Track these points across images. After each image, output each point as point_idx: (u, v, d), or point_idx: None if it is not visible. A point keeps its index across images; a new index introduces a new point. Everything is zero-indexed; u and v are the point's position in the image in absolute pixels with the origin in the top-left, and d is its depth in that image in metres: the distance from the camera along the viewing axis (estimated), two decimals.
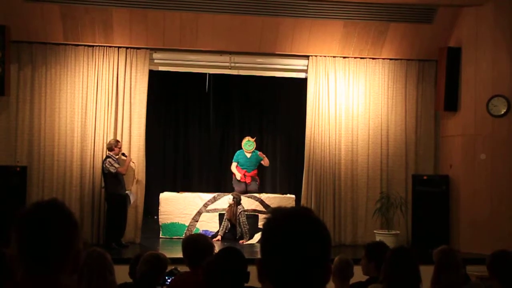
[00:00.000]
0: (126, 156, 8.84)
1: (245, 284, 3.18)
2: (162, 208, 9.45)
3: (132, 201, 8.85)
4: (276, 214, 1.49)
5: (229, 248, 3.40)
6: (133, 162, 8.98)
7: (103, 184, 8.79)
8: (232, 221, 9.18)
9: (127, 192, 8.78)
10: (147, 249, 6.43)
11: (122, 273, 4.29)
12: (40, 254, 1.57)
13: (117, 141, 8.77)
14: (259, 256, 1.48)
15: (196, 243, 3.86)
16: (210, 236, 8.36)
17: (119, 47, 9.21)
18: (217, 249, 3.83)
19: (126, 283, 4.03)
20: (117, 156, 8.65)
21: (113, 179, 8.52)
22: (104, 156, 8.78)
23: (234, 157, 10.00)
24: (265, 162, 9.99)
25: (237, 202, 9.17)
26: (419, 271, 3.37)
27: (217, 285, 3.13)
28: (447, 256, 3.82)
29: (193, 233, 8.94)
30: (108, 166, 8.49)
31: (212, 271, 3.15)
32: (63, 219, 1.62)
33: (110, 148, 8.66)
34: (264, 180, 11.43)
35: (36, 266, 1.57)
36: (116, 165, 8.50)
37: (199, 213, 9.44)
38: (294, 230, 1.43)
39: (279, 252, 1.41)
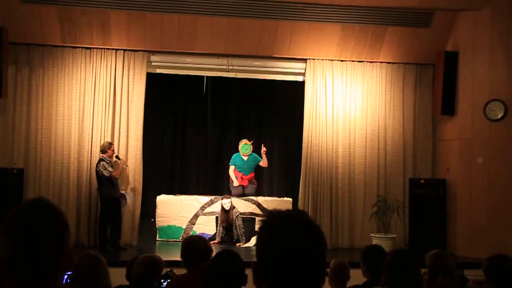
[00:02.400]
0: (119, 159, 8.81)
1: (243, 287, 3.17)
2: (159, 210, 9.44)
3: (128, 201, 8.83)
4: (272, 217, 1.49)
5: (227, 251, 3.39)
6: (126, 165, 8.94)
7: (97, 187, 8.77)
8: (230, 222, 9.16)
9: (122, 192, 8.75)
10: (144, 252, 6.42)
11: (119, 275, 4.28)
12: (34, 258, 1.52)
13: (110, 144, 8.72)
14: (255, 259, 1.48)
15: (195, 246, 3.85)
16: (207, 238, 8.35)
17: (116, 50, 9.21)
18: (215, 252, 3.82)
19: (121, 285, 4.01)
20: (110, 159, 8.63)
21: (107, 182, 8.49)
22: (98, 159, 8.74)
23: (231, 160, 9.99)
24: (264, 162, 9.98)
25: (232, 205, 9.16)
26: (420, 272, 3.37)
27: None
28: (441, 259, 3.82)
29: (189, 236, 8.93)
30: (102, 169, 8.44)
31: (210, 274, 3.15)
32: (54, 219, 1.57)
33: (103, 151, 8.61)
34: (261, 183, 11.42)
35: (30, 270, 1.52)
36: (110, 169, 8.46)
37: (196, 216, 9.43)
38: (290, 233, 1.43)
39: (274, 255, 1.41)
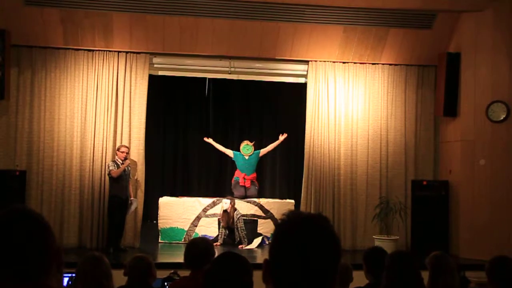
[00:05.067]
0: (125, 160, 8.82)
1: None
2: (161, 212, 9.44)
3: (132, 208, 8.83)
4: (292, 218, 1.46)
5: (230, 254, 3.36)
6: (129, 166, 8.88)
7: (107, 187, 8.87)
8: (230, 225, 9.15)
9: (131, 199, 8.78)
10: (146, 254, 6.40)
11: (121, 277, 4.27)
12: (15, 262, 1.52)
13: (121, 146, 8.79)
14: (263, 258, 1.48)
15: (197, 247, 3.84)
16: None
17: (119, 52, 9.22)
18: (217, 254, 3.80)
19: (122, 286, 3.99)
20: (122, 160, 8.65)
21: (113, 182, 8.59)
22: (100, 161, 8.91)
23: (234, 153, 9.97)
24: (266, 149, 10.02)
25: (233, 206, 9.15)
26: (420, 274, 3.36)
27: None
28: (441, 261, 3.82)
29: (192, 237, 8.93)
30: (107, 168, 8.67)
31: (211, 277, 3.12)
32: (31, 223, 1.58)
33: (116, 152, 8.80)
34: (263, 185, 11.42)
35: (15, 274, 1.52)
36: (112, 168, 8.56)
37: (198, 218, 9.43)
38: (307, 237, 1.40)
39: (287, 257, 1.40)
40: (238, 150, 10.02)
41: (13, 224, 1.57)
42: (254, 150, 9.97)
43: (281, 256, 1.41)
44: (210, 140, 10.17)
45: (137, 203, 8.99)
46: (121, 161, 8.63)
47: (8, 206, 1.64)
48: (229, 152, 10.03)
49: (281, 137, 10.00)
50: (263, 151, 10.03)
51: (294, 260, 1.39)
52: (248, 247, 9.01)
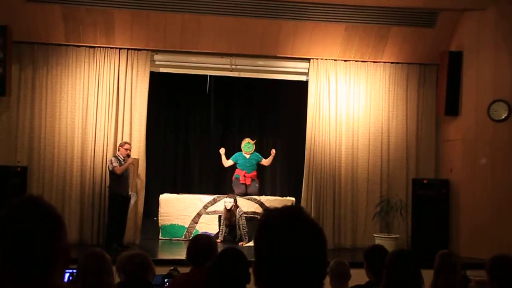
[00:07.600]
0: (128, 157, 8.82)
1: (247, 285, 3.17)
2: (162, 209, 9.45)
3: (132, 202, 8.83)
4: (268, 216, 1.46)
5: (231, 249, 3.40)
6: (132, 164, 8.91)
7: (108, 183, 8.81)
8: (232, 223, 9.17)
9: (130, 194, 8.77)
10: (147, 250, 6.41)
11: None
12: (27, 258, 1.48)
13: (124, 143, 8.77)
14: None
15: (199, 244, 3.86)
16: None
17: (120, 48, 9.22)
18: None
19: (120, 282, 3.98)
20: (124, 157, 8.64)
21: (115, 179, 8.54)
22: (101, 158, 8.87)
23: (233, 157, 9.99)
24: (267, 162, 10.03)
25: (236, 204, 9.17)
26: (420, 273, 3.37)
27: (218, 286, 3.13)
28: (444, 259, 3.84)
29: (192, 235, 8.94)
30: (108, 163, 8.61)
31: (215, 272, 3.15)
32: (45, 217, 1.53)
33: (118, 148, 8.77)
34: (264, 183, 11.42)
35: (25, 270, 1.49)
36: (115, 164, 8.52)
37: (198, 215, 9.44)
38: (288, 232, 1.40)
39: (274, 256, 1.39)
40: (239, 148, 10.03)
41: (26, 219, 1.52)
42: (255, 148, 9.99)
43: (270, 256, 1.40)
44: (222, 152, 10.05)
45: (136, 196, 8.98)
46: (122, 158, 8.62)
47: (22, 196, 1.60)
48: (230, 162, 10.00)
49: (272, 153, 9.99)
50: (262, 162, 10.05)
51: (283, 257, 1.38)
52: (249, 244, 9.01)
